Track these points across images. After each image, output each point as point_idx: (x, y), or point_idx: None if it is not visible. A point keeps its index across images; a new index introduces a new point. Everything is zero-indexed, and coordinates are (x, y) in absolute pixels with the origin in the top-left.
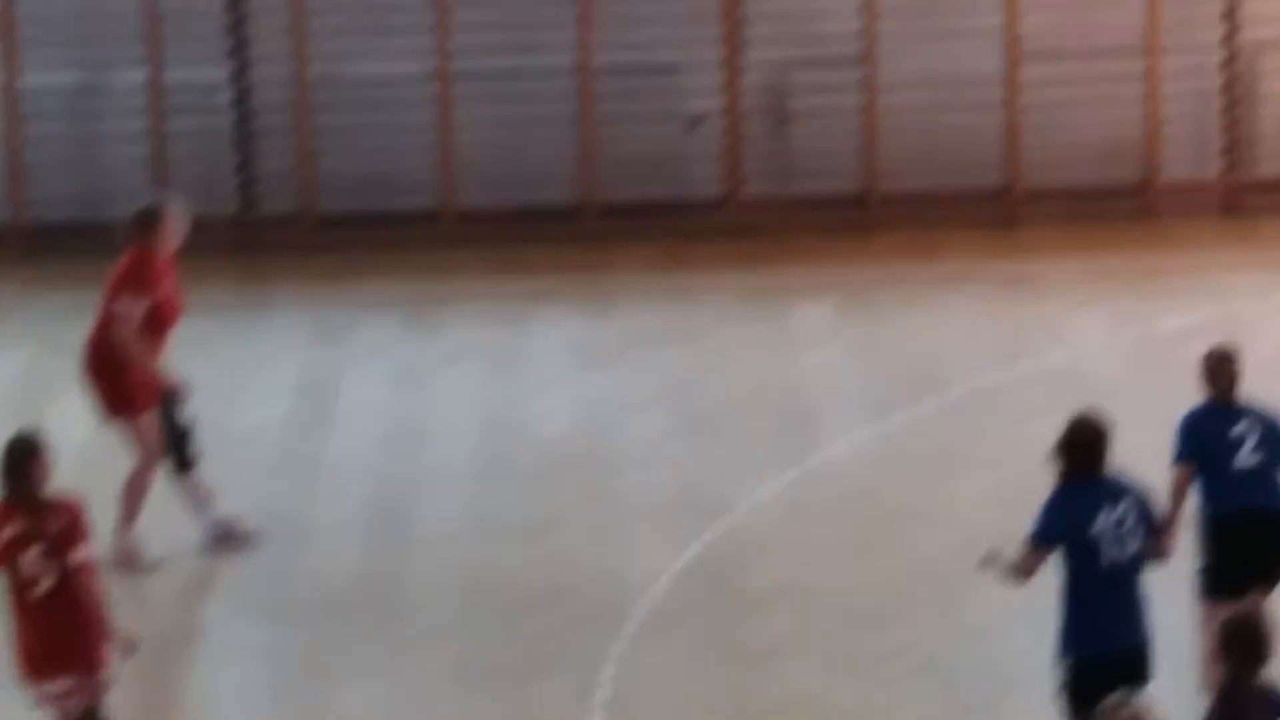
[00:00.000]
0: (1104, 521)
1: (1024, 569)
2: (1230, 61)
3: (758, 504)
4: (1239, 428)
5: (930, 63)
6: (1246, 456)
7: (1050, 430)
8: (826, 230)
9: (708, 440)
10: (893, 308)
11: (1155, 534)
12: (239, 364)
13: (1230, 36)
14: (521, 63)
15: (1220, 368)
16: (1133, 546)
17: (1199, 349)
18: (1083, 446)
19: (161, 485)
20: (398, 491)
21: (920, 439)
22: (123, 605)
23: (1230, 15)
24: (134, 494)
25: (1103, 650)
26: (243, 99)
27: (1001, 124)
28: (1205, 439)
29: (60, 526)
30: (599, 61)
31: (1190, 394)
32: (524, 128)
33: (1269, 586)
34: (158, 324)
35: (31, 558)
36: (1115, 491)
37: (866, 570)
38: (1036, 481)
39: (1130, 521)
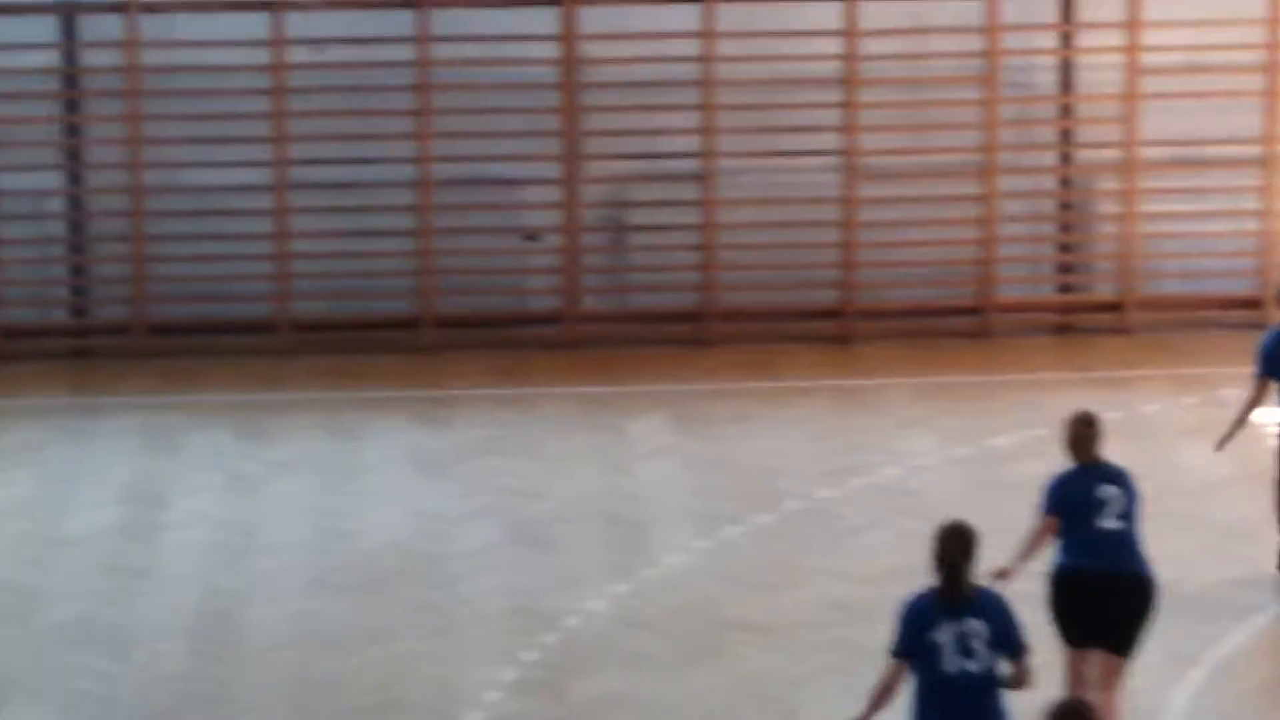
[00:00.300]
0: (948, 632)
1: (886, 683)
2: (1065, 184)
3: (590, 615)
4: (1105, 490)
5: (768, 181)
6: (1108, 519)
7: (882, 545)
8: (663, 345)
9: (541, 551)
10: (728, 422)
11: (1015, 659)
12: (69, 470)
13: (1065, 159)
14: (360, 174)
15: (1082, 430)
16: (980, 662)
17: (1031, 468)
18: (940, 553)
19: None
20: (227, 600)
21: (753, 552)
22: None
23: (1065, 138)
24: None
25: None
26: (76, 205)
27: (838, 242)
28: (1071, 497)
29: None
30: (438, 174)
31: (1022, 511)
32: (362, 239)
33: (1123, 648)
34: None
35: None
36: (972, 606)
37: (698, 682)
38: (868, 596)
39: (981, 638)
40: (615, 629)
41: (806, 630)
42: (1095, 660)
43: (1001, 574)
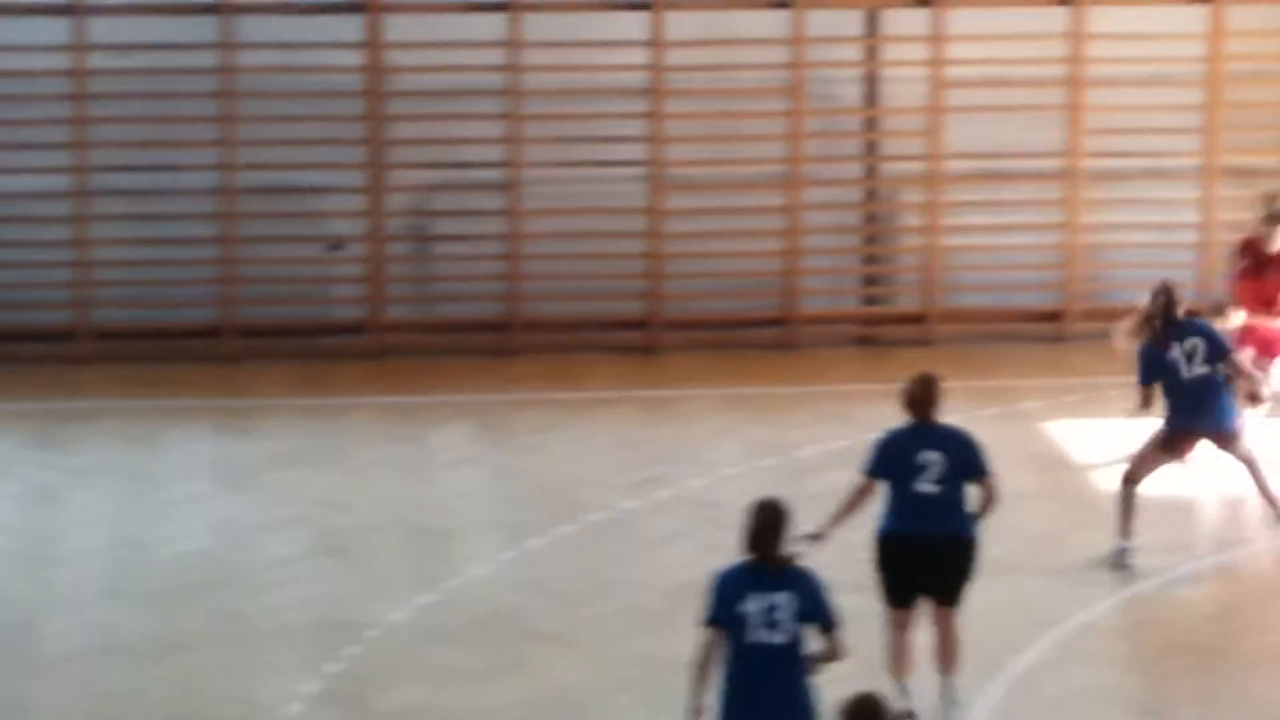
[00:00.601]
0: (754, 604)
1: (699, 658)
2: (870, 196)
3: (392, 626)
4: (929, 454)
5: (573, 191)
6: (927, 484)
7: (686, 556)
8: (467, 354)
9: (344, 562)
10: (532, 432)
11: (825, 633)
12: None
13: (870, 172)
14: (162, 181)
15: (918, 390)
16: (783, 635)
17: (835, 478)
18: (751, 528)
19: None
20: (23, 610)
21: (556, 563)
22: None
23: (870, 151)
24: None
25: None
26: None
27: (644, 253)
28: (893, 458)
29: None
30: (241, 181)
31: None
32: (164, 246)
33: (947, 599)
34: None
35: None
36: (780, 580)
37: (501, 694)
38: (672, 607)
39: (786, 612)
40: (419, 640)
41: (609, 641)
42: (923, 610)
43: (815, 537)
